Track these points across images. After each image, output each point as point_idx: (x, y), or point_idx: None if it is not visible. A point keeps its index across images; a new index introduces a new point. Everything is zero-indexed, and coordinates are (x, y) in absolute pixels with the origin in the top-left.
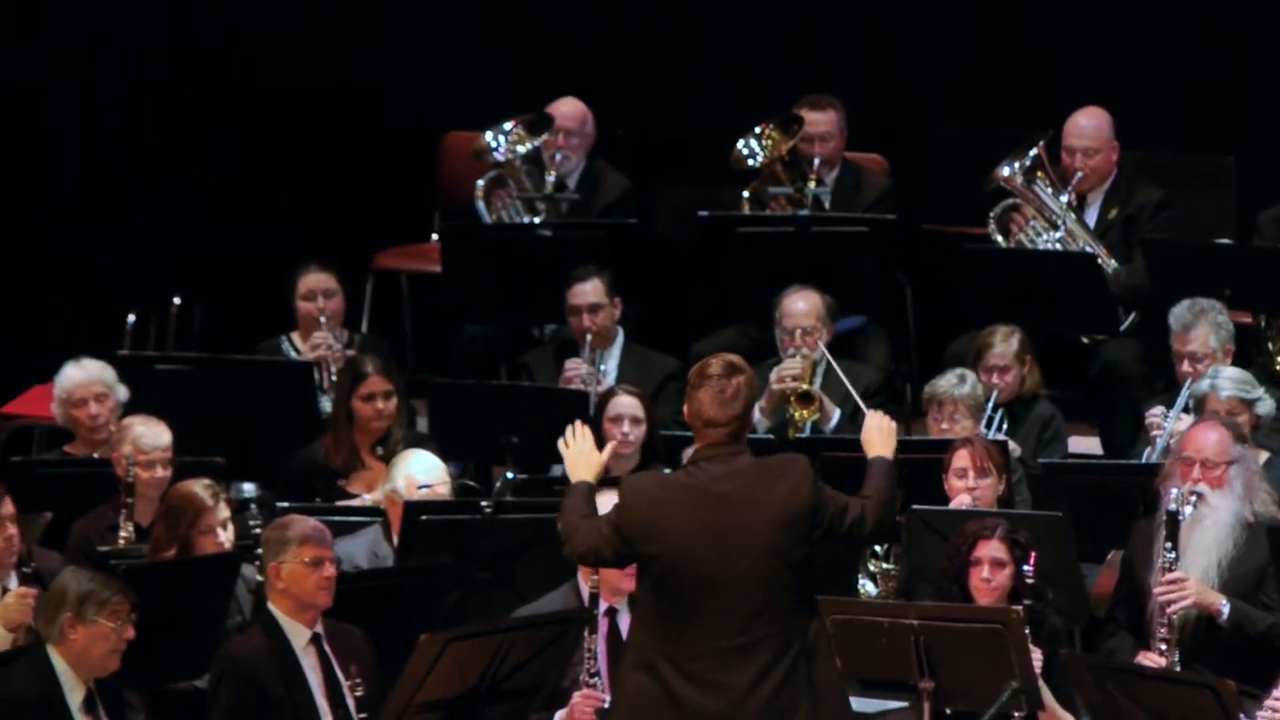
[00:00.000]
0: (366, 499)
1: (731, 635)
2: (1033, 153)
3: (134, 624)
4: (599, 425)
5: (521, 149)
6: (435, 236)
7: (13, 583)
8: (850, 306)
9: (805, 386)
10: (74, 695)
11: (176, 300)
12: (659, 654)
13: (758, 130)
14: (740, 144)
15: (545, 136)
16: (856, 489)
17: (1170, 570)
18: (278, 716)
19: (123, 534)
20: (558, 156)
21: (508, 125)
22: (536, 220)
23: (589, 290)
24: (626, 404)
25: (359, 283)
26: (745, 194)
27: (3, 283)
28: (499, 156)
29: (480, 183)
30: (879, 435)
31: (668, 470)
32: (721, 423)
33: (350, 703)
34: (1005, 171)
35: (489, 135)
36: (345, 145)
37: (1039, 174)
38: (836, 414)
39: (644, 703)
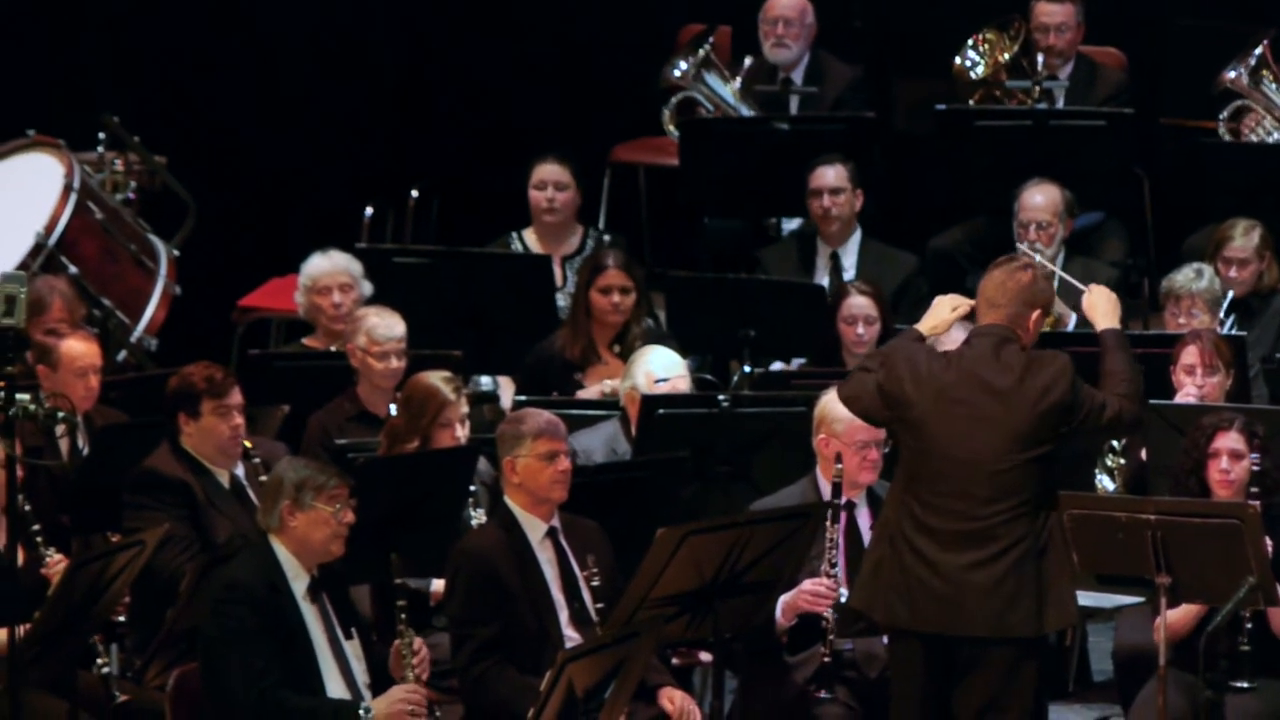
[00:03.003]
0: (607, 385)
1: (964, 519)
2: (1257, 52)
3: (354, 509)
4: (834, 324)
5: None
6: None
7: (239, 470)
8: (1087, 201)
9: None
10: (298, 583)
11: (414, 193)
12: (900, 527)
13: (971, 41)
14: (958, 59)
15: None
16: (1095, 384)
17: None
18: (514, 609)
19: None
20: (769, 45)
21: None
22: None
23: (831, 175)
24: (860, 305)
25: (596, 176)
26: (979, 88)
27: (242, 177)
28: None
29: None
30: (1105, 304)
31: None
32: (999, 305)
33: (586, 595)
34: (1231, 75)
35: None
36: (583, 38)
37: (1265, 73)
38: (1074, 316)
39: (880, 574)
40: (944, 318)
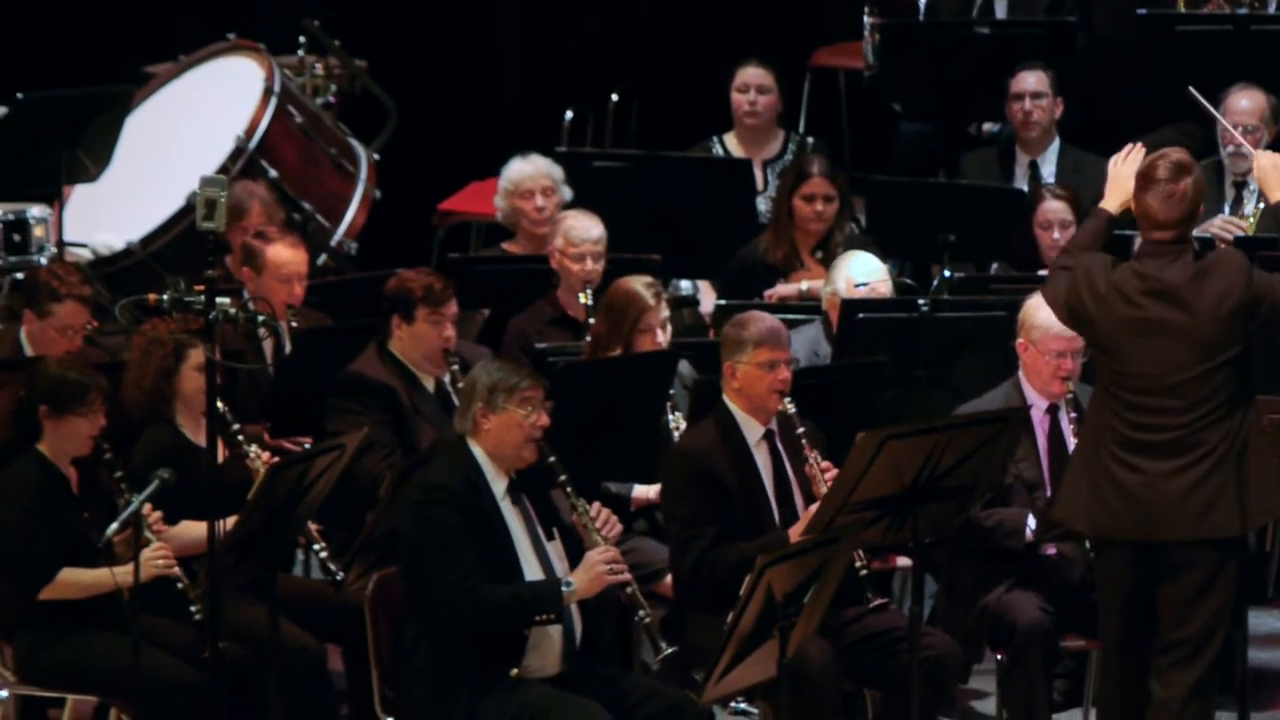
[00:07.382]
0: (804, 284)
1: (1159, 430)
2: None
3: (548, 412)
4: (1030, 229)
5: None
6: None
7: (446, 378)
8: None
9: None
10: (497, 485)
11: (614, 97)
12: (1100, 437)
13: None
14: None
15: None
16: None
17: None
18: (730, 508)
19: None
20: None
21: None
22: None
23: (1032, 80)
24: (1055, 209)
25: (796, 81)
26: None
27: (442, 82)
28: None
29: None
30: (1275, 174)
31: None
32: (1168, 225)
33: (799, 500)
34: None
35: None
36: None
37: None
38: None
39: (1081, 484)
40: (1127, 188)
